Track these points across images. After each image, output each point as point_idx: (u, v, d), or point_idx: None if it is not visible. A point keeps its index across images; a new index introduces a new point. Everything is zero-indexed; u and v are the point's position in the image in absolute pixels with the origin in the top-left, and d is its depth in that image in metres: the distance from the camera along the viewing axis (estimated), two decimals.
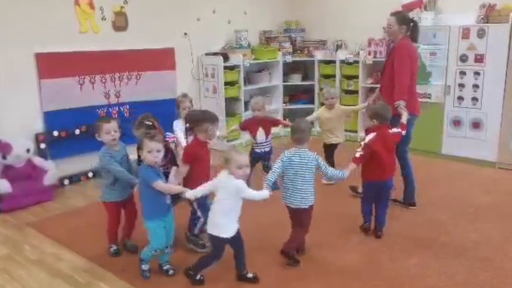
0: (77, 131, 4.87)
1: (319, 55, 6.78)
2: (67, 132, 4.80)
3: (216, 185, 2.77)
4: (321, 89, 6.62)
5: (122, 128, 5.22)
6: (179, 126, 3.96)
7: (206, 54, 6.11)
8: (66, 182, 4.85)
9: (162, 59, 5.67)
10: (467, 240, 3.38)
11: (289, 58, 6.77)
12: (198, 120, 3.17)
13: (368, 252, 3.23)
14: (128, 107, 5.39)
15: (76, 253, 3.34)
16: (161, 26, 5.59)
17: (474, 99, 5.22)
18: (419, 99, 5.52)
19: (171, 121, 5.76)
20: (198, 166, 3.12)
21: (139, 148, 2.91)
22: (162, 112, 5.62)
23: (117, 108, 5.30)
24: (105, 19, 5.08)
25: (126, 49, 5.24)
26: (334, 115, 4.66)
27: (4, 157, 4.17)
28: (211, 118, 3.18)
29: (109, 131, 3.10)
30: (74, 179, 4.93)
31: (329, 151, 4.67)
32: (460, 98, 5.33)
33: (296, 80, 6.98)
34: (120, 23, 5.22)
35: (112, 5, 5.12)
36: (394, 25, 3.83)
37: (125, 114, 5.38)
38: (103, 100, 5.17)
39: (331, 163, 4.42)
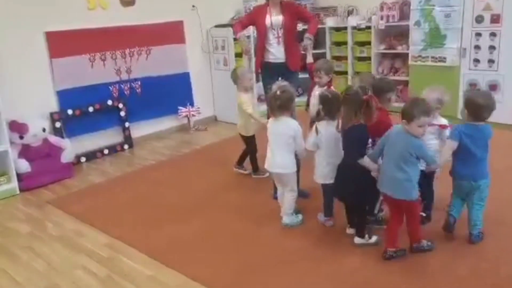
0: (91, 109, 4.91)
1: (330, 22, 6.64)
2: (81, 110, 4.84)
3: None
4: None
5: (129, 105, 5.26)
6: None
7: (216, 26, 6.03)
8: (83, 159, 4.92)
9: (171, 33, 5.61)
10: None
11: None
12: (385, 89, 3.09)
13: None
14: (140, 83, 5.40)
15: (96, 228, 3.41)
16: (169, 0, 5.51)
17: (491, 61, 5.09)
18: (434, 64, 5.49)
19: (182, 95, 5.81)
20: None
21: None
22: (174, 86, 5.69)
23: (128, 85, 5.31)
24: None
25: (134, 24, 5.21)
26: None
27: (21, 137, 4.23)
28: (393, 86, 3.24)
29: (424, 124, 2.56)
30: (90, 156, 5.00)
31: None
32: (476, 61, 5.20)
33: None
34: None
35: None
36: None
37: (137, 90, 5.40)
38: (114, 76, 5.17)
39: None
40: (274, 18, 4.32)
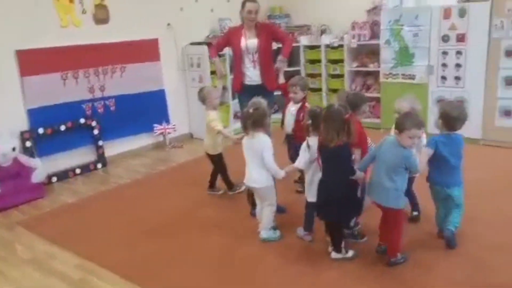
0: (63, 127, 4.84)
1: (304, 40, 6.77)
2: (53, 128, 4.76)
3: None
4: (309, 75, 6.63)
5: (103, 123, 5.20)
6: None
7: (191, 44, 6.07)
8: (54, 179, 4.82)
9: (146, 51, 5.62)
10: None
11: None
12: (358, 103, 3.20)
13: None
14: (114, 100, 5.35)
15: (68, 250, 3.33)
16: (144, 17, 5.52)
17: (457, 78, 5.27)
18: (404, 81, 5.65)
19: (158, 113, 5.79)
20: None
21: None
22: (149, 103, 5.67)
23: (102, 102, 5.26)
24: (85, 12, 5.00)
25: (108, 42, 5.19)
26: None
27: None
28: (366, 100, 3.39)
29: (414, 136, 2.68)
30: (62, 175, 4.90)
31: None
32: (444, 78, 5.38)
33: None
34: (101, 15, 5.14)
35: None
36: (259, 9, 4.36)
37: (111, 108, 5.35)
38: (87, 94, 5.12)
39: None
40: (250, 41, 4.33)
